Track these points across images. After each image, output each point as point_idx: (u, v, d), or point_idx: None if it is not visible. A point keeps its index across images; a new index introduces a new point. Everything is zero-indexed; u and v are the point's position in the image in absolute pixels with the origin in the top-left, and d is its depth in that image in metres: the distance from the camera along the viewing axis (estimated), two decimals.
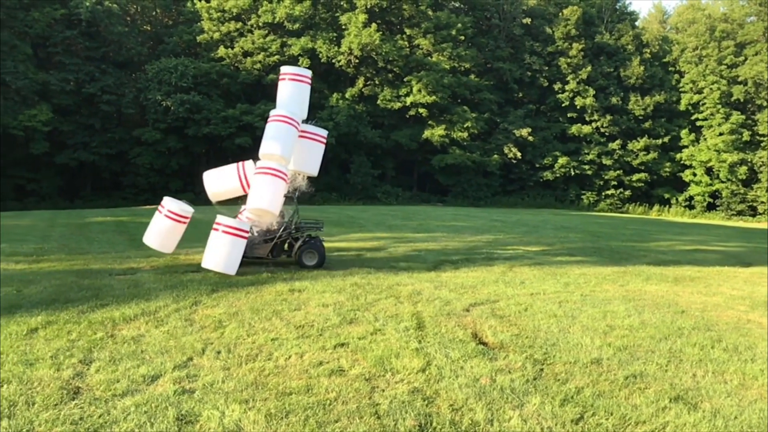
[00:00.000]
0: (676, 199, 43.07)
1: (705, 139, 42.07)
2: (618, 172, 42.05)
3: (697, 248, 15.77)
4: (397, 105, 37.59)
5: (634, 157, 42.29)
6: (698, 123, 42.90)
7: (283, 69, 9.46)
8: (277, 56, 35.54)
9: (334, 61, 36.67)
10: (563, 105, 41.97)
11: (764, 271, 11.59)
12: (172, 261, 9.44)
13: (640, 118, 42.53)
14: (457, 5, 43.12)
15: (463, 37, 39.70)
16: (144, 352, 5.01)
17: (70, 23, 32.46)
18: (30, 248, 10.49)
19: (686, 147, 42.73)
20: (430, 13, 38.80)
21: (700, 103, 42.51)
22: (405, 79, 37.87)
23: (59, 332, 5.43)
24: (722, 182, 41.30)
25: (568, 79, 41.66)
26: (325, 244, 9.87)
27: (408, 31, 38.81)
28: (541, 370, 4.93)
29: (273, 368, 4.72)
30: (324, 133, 9.62)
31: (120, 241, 12.07)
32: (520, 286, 8.52)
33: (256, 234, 9.14)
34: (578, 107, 41.70)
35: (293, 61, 34.76)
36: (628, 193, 42.53)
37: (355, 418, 3.88)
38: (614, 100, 41.95)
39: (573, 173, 41.34)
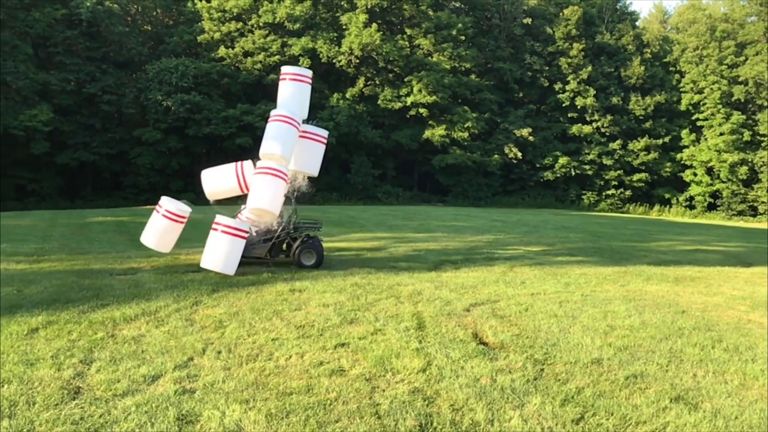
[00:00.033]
0: (677, 199, 43.04)
1: (705, 139, 42.04)
2: (618, 172, 42.03)
3: (698, 248, 15.76)
4: (398, 105, 37.57)
5: (635, 157, 42.26)
6: (699, 123, 42.87)
7: (284, 69, 9.46)
8: (277, 56, 35.52)
9: (334, 61, 36.66)
10: (564, 105, 41.94)
11: (765, 271, 11.58)
12: (173, 261, 9.44)
13: (641, 118, 42.50)
14: (457, 5, 43.09)
15: (463, 37, 39.68)
16: (144, 352, 5.01)
17: (70, 23, 32.46)
18: (31, 248, 10.49)
19: (687, 147, 42.68)
20: (430, 13, 38.76)
21: (701, 103, 42.48)
22: (405, 79, 37.85)
23: (60, 332, 5.43)
24: (723, 182, 41.27)
25: (569, 79, 41.63)
26: (326, 244, 9.87)
27: (408, 31, 38.79)
28: (542, 370, 4.93)
29: (273, 368, 4.73)
30: (324, 133, 9.60)
31: (120, 241, 12.07)
32: (520, 286, 8.52)
33: (254, 234, 9.13)
34: (579, 107, 41.67)
35: (294, 61, 34.74)
36: (628, 193, 42.51)
37: (355, 418, 3.88)
38: (615, 100, 41.91)
39: (573, 173, 41.32)
